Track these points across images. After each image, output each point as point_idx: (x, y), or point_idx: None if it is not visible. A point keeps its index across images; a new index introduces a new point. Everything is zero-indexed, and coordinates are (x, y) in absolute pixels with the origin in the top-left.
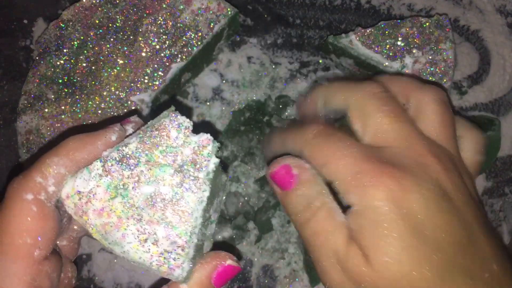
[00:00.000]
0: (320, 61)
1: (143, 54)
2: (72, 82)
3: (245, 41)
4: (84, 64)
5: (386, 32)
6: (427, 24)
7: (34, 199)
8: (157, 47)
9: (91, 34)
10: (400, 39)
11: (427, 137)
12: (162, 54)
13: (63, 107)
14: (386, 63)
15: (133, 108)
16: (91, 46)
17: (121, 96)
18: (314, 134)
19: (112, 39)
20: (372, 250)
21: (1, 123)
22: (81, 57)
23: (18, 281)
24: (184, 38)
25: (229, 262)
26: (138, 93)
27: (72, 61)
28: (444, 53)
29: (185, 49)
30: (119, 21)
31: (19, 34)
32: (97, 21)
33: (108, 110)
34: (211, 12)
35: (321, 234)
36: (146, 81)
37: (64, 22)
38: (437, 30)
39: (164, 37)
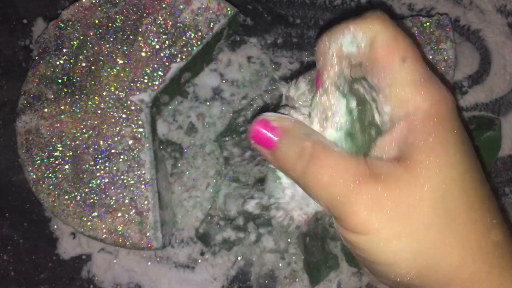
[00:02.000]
0: None
1: (143, 54)
2: (71, 82)
3: (245, 41)
4: (84, 64)
5: None
6: (428, 23)
7: None
8: (157, 47)
9: (91, 34)
10: None
11: None
12: (162, 54)
13: (62, 107)
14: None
15: (132, 108)
16: (90, 46)
17: (121, 96)
18: (392, 23)
19: (111, 39)
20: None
21: (0, 123)
22: (80, 57)
23: None
24: (184, 37)
25: None
26: (137, 93)
27: (71, 61)
28: (445, 53)
29: (185, 49)
30: (118, 21)
31: (18, 34)
32: (96, 21)
33: (108, 110)
34: (211, 11)
35: (325, 174)
36: (145, 81)
37: (64, 22)
38: (437, 30)
39: (163, 37)
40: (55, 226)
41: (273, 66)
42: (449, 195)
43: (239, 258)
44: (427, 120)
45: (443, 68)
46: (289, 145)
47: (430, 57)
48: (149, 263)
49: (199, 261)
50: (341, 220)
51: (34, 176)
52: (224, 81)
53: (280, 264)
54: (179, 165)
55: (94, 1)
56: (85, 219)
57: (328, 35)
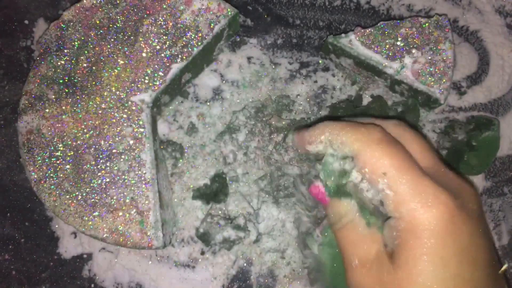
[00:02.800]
0: (320, 61)
1: (144, 54)
2: (72, 82)
3: (245, 42)
4: (85, 65)
5: (386, 32)
6: (427, 24)
7: None
8: (158, 47)
9: (92, 34)
10: (399, 39)
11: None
12: (163, 55)
13: (64, 107)
14: (386, 63)
15: (133, 108)
16: (91, 46)
17: (122, 96)
18: (379, 138)
19: (112, 40)
20: (409, 264)
21: (2, 123)
22: (81, 57)
23: None
24: (184, 38)
25: None
26: (138, 93)
27: (72, 61)
28: (444, 53)
29: (185, 50)
30: (119, 21)
31: (20, 35)
32: (97, 22)
33: (109, 110)
34: (211, 12)
35: (349, 241)
36: (146, 81)
37: (65, 23)
38: (436, 30)
39: (164, 37)
40: (56, 226)
41: (273, 67)
42: None
43: (239, 258)
44: (405, 233)
45: (441, 69)
46: (333, 210)
47: (429, 57)
48: (150, 262)
49: (200, 260)
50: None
51: (36, 176)
52: (224, 81)
53: (280, 264)
54: (179, 165)
55: (95, 2)
56: (86, 218)
57: (325, 132)
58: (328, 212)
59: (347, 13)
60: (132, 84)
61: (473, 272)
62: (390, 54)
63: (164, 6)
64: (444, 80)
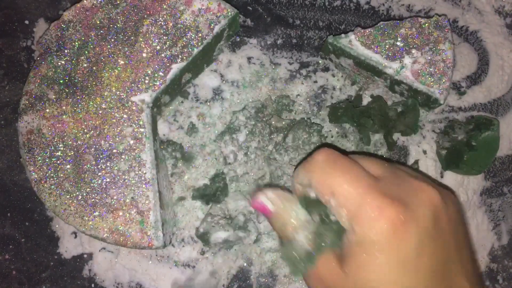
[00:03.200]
0: (320, 61)
1: (144, 54)
2: (73, 82)
3: (245, 42)
4: (85, 65)
5: (386, 32)
6: (427, 24)
7: None
8: (158, 47)
9: (92, 34)
10: (399, 39)
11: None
12: (163, 55)
13: (64, 107)
14: (385, 63)
15: (133, 108)
16: (92, 46)
17: (122, 96)
18: (320, 163)
19: (113, 40)
20: (357, 268)
21: (2, 123)
22: (82, 57)
23: None
24: (184, 38)
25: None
26: (138, 93)
27: (73, 61)
28: (443, 54)
29: (186, 50)
30: (119, 22)
31: (20, 35)
32: (98, 22)
33: (109, 110)
34: (211, 13)
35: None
36: (146, 81)
37: (65, 23)
38: (436, 30)
39: (164, 37)
40: (57, 226)
41: (273, 67)
42: None
43: (239, 258)
44: (355, 245)
45: (441, 69)
46: (277, 222)
47: (429, 57)
48: (150, 262)
49: (200, 260)
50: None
51: (36, 176)
52: (224, 82)
53: (280, 264)
54: (180, 165)
55: (95, 2)
56: (86, 218)
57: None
58: (273, 223)
59: (347, 13)
60: (133, 84)
61: (418, 282)
62: (390, 54)
63: (164, 7)
64: (443, 80)
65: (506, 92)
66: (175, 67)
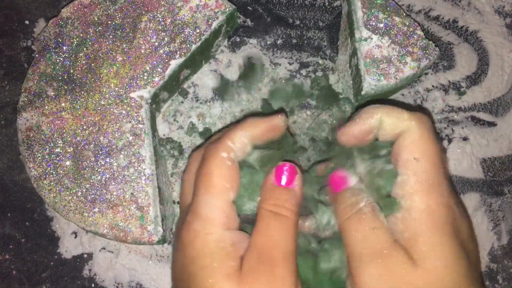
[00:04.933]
0: (320, 61)
1: (142, 51)
2: (72, 79)
3: (245, 42)
4: (84, 61)
5: (388, 8)
6: (419, 39)
7: (227, 157)
8: (156, 44)
9: (90, 31)
10: (387, 22)
11: None
12: (161, 51)
13: (63, 104)
14: (361, 25)
15: (132, 104)
16: (90, 43)
17: (121, 92)
18: (431, 126)
19: (111, 36)
20: (424, 256)
21: (2, 123)
22: (80, 54)
23: (219, 212)
24: (182, 35)
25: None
26: (137, 89)
27: (71, 58)
28: (404, 67)
29: (184, 46)
30: (118, 18)
31: (20, 35)
32: (96, 19)
33: (108, 107)
34: (209, 9)
35: (363, 231)
36: (145, 77)
37: (63, 20)
38: (419, 50)
39: (162, 34)
40: (57, 226)
41: (273, 67)
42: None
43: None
44: (420, 220)
45: (390, 73)
46: (349, 195)
47: (391, 57)
48: (150, 262)
49: None
50: (351, 275)
51: (35, 173)
52: (224, 82)
53: None
54: (180, 164)
55: None
56: (86, 214)
57: (378, 112)
58: (339, 201)
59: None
60: (131, 81)
61: (475, 248)
62: (371, 23)
63: (162, 3)
64: (382, 81)
65: (506, 92)
66: (174, 63)
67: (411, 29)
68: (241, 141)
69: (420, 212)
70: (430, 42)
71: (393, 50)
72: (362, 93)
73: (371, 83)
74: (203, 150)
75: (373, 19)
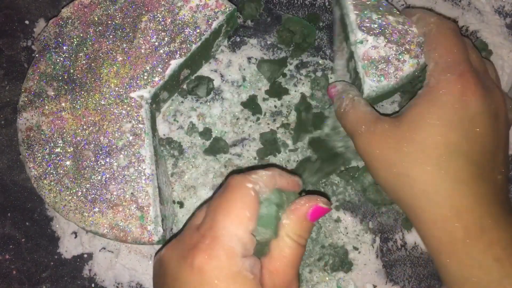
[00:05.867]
0: (320, 61)
1: (142, 50)
2: (72, 79)
3: (245, 42)
4: (84, 61)
5: (380, 8)
6: (415, 36)
7: (252, 188)
8: (156, 43)
9: (91, 31)
10: (381, 22)
11: None
12: (161, 51)
13: (63, 104)
14: (355, 28)
15: (132, 104)
16: (90, 43)
17: (121, 92)
18: (455, 29)
19: (111, 36)
20: (414, 120)
21: (2, 123)
22: (80, 54)
23: (237, 240)
24: (182, 34)
25: (321, 204)
26: (137, 89)
27: (71, 58)
28: (403, 64)
29: (184, 46)
30: (118, 18)
31: (20, 35)
32: (96, 18)
33: (108, 107)
34: (209, 9)
35: (355, 116)
36: (145, 77)
37: (63, 20)
38: (417, 46)
39: (162, 33)
40: (57, 226)
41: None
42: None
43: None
44: (426, 94)
45: (389, 73)
46: (337, 93)
47: (389, 56)
48: (150, 262)
49: None
50: (355, 144)
51: (36, 173)
52: (224, 81)
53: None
54: (180, 164)
55: None
56: (86, 214)
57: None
58: (335, 100)
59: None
60: (131, 80)
61: (472, 146)
62: (365, 25)
63: (162, 3)
64: (382, 81)
65: (506, 92)
66: (174, 63)
67: (405, 27)
68: (265, 181)
69: (430, 86)
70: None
71: (390, 49)
72: (364, 96)
73: (371, 85)
74: (228, 179)
75: (366, 20)
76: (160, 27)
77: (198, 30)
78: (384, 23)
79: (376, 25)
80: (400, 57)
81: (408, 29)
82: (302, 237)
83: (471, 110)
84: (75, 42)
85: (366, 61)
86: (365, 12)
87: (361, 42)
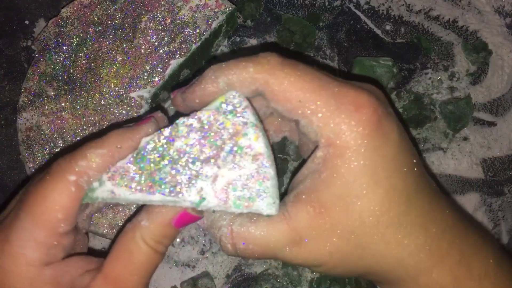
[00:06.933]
0: (320, 61)
1: (142, 50)
2: (72, 79)
3: (245, 42)
4: (84, 61)
5: (148, 161)
6: (207, 114)
7: (75, 181)
8: (156, 43)
9: (90, 31)
10: (178, 158)
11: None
12: (161, 51)
13: (63, 104)
14: (176, 199)
15: (132, 104)
16: (90, 43)
17: (121, 92)
18: (280, 63)
19: (111, 36)
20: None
21: (2, 123)
22: (80, 54)
23: (36, 246)
24: (182, 34)
25: (189, 210)
26: (137, 89)
27: (71, 58)
28: (249, 149)
29: (184, 46)
30: (118, 18)
31: (20, 35)
32: (96, 18)
33: (108, 107)
34: (209, 8)
35: (257, 245)
36: (145, 77)
37: (63, 20)
38: (228, 117)
39: (162, 33)
40: None
41: None
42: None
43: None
44: (333, 158)
45: (257, 178)
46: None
47: (231, 165)
48: None
49: (200, 260)
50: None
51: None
52: None
53: (279, 263)
54: None
55: None
56: None
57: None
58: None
59: (347, 13)
60: (131, 80)
61: (405, 180)
62: (173, 188)
63: (162, 3)
64: (267, 190)
65: (506, 92)
66: (174, 63)
67: (197, 125)
68: (97, 163)
69: (333, 146)
70: (215, 101)
71: (223, 161)
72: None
73: (269, 205)
74: (52, 163)
75: (166, 183)
76: (160, 27)
77: (198, 30)
78: (179, 156)
79: (178, 170)
80: (239, 149)
81: (200, 122)
82: (162, 244)
83: (393, 144)
84: (75, 42)
85: (229, 198)
86: (156, 179)
87: (202, 198)
